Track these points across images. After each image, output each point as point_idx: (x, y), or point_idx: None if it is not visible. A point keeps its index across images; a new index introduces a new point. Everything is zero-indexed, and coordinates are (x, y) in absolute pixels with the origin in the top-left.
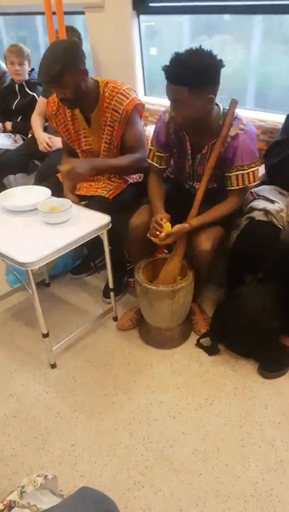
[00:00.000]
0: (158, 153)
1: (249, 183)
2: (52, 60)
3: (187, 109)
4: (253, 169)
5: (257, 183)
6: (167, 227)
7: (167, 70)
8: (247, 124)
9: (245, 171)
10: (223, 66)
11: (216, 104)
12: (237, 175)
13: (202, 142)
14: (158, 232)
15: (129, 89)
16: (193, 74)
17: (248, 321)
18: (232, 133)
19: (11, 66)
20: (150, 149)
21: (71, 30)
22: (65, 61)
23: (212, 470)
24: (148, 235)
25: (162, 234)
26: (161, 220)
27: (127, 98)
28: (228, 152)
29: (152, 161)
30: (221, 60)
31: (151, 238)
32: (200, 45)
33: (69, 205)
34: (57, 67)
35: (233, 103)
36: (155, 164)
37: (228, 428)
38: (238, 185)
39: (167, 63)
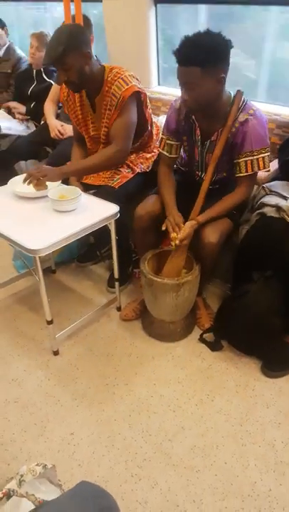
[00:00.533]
0: (168, 141)
1: (259, 169)
2: (55, 42)
3: (200, 89)
4: (263, 155)
5: (267, 169)
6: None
7: (178, 52)
8: (257, 110)
9: (255, 157)
10: (232, 47)
11: (227, 91)
12: (246, 161)
13: (211, 128)
14: (175, 240)
15: (131, 76)
16: (205, 52)
17: (253, 319)
18: (241, 118)
19: (30, 48)
20: (161, 138)
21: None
22: (68, 43)
23: (210, 467)
24: (170, 244)
25: (177, 241)
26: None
27: (127, 84)
28: (238, 137)
29: (163, 150)
30: (229, 40)
31: (171, 246)
32: (208, 28)
33: (79, 194)
34: (59, 48)
35: (239, 94)
36: (165, 153)
37: (229, 425)
38: (246, 171)
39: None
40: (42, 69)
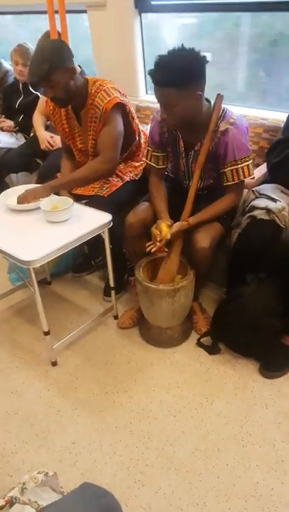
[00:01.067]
0: (154, 153)
1: (244, 177)
2: (40, 60)
3: (178, 109)
4: (246, 163)
5: (252, 177)
6: (164, 229)
7: (153, 74)
8: (237, 118)
9: (239, 165)
10: (206, 62)
11: (207, 100)
12: (231, 170)
13: (194, 139)
14: (157, 242)
15: (114, 88)
16: (178, 74)
17: (249, 321)
18: (222, 128)
19: (16, 66)
20: (147, 150)
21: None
22: (52, 60)
23: (212, 469)
24: (147, 249)
25: (161, 243)
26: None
27: (109, 96)
28: (220, 148)
29: (150, 161)
30: (204, 56)
31: (152, 249)
32: (182, 44)
33: (71, 204)
34: (44, 66)
35: (219, 98)
36: (153, 164)
37: (229, 428)
38: (233, 180)
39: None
40: (28, 82)
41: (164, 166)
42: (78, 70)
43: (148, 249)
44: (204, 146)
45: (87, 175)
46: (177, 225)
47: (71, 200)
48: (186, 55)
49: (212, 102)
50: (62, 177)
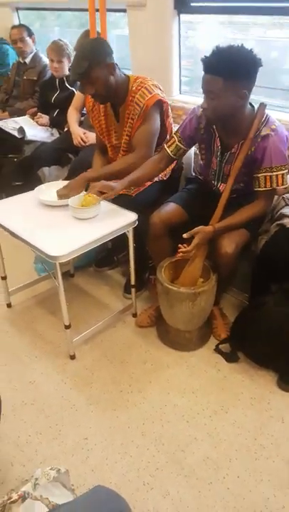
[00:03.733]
0: (178, 144)
1: (277, 185)
2: (80, 58)
3: (220, 101)
4: (281, 172)
5: (285, 186)
6: (86, 200)
7: (205, 60)
8: (279, 126)
9: (274, 173)
10: (261, 65)
11: (251, 105)
12: (265, 176)
13: (232, 141)
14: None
15: (155, 86)
16: (229, 64)
17: (271, 331)
18: (263, 133)
19: (51, 63)
20: (172, 137)
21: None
22: (92, 57)
23: (223, 480)
24: (178, 255)
25: (190, 246)
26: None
27: (150, 93)
28: (258, 152)
29: (169, 148)
30: (259, 59)
31: (181, 255)
32: (242, 44)
33: (98, 202)
34: (84, 63)
35: (262, 106)
36: (169, 151)
37: (242, 438)
38: (265, 186)
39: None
40: (64, 77)
41: (176, 159)
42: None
43: (179, 250)
44: (242, 151)
45: (121, 169)
46: (202, 232)
47: (99, 199)
48: (243, 52)
49: (255, 107)
50: (96, 169)
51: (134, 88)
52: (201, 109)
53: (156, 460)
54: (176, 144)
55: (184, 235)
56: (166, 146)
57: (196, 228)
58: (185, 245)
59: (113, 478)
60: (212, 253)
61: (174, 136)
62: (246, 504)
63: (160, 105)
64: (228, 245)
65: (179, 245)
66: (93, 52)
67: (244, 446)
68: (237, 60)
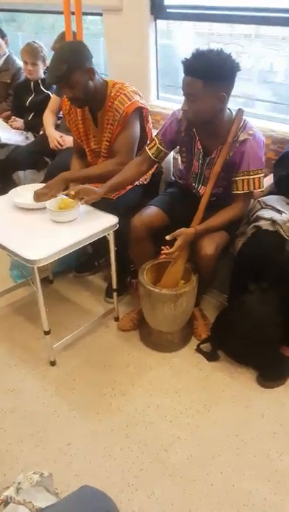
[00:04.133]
0: (160, 146)
1: (254, 188)
2: (59, 60)
3: (200, 103)
4: (258, 175)
5: (262, 189)
6: (64, 203)
7: (186, 62)
8: (256, 131)
9: (251, 177)
10: (239, 70)
11: (229, 110)
12: (243, 179)
13: (211, 145)
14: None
15: (134, 92)
16: (209, 68)
17: (249, 330)
18: (241, 138)
19: (25, 65)
20: (153, 139)
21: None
22: (71, 61)
23: (206, 477)
24: (162, 257)
25: (173, 248)
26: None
27: (129, 100)
28: (236, 157)
29: (150, 150)
30: (238, 63)
31: (164, 257)
32: (221, 48)
33: (77, 205)
34: (63, 66)
35: (240, 112)
36: (150, 154)
37: (225, 436)
38: (243, 189)
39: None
40: (39, 80)
41: (157, 161)
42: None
43: (162, 252)
44: (221, 156)
45: (101, 173)
46: (184, 234)
47: (77, 202)
48: (222, 55)
49: (233, 112)
50: (77, 171)
51: (112, 94)
52: (181, 112)
53: (140, 461)
54: (157, 147)
55: (167, 237)
56: (147, 149)
57: (178, 230)
58: (167, 247)
59: (97, 482)
60: (193, 255)
61: (155, 138)
62: (230, 499)
63: (140, 111)
64: (209, 247)
65: (162, 247)
66: (73, 56)
67: (226, 443)
68: (217, 63)
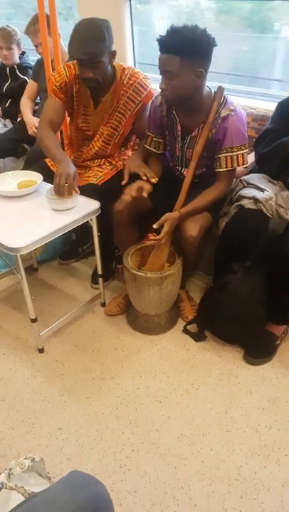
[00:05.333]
0: (156, 139)
1: (238, 165)
2: (94, 36)
3: (177, 80)
4: (242, 151)
5: (245, 165)
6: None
7: (161, 39)
8: (237, 106)
9: (234, 153)
10: (215, 45)
11: (208, 88)
12: (226, 156)
13: (192, 124)
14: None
15: (146, 79)
16: (185, 43)
17: (234, 308)
18: (223, 114)
19: (0, 50)
20: (148, 135)
21: None
22: (108, 41)
23: (197, 454)
24: (150, 242)
25: (161, 235)
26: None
27: (145, 90)
28: (219, 134)
29: (150, 146)
30: (214, 38)
31: (152, 243)
32: (196, 24)
33: (76, 194)
34: (100, 44)
35: (220, 90)
36: (154, 150)
37: (214, 413)
38: (226, 166)
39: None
40: (15, 66)
41: (163, 152)
42: None
43: (150, 238)
44: (202, 136)
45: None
46: (170, 219)
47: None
48: (198, 31)
49: (212, 89)
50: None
51: (124, 81)
52: (158, 98)
53: (131, 442)
54: (154, 140)
55: (154, 226)
56: (148, 147)
57: (163, 216)
58: (154, 234)
59: (90, 465)
60: (176, 237)
61: (149, 134)
62: (221, 474)
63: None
64: (193, 229)
65: (149, 234)
66: (108, 35)
67: (216, 420)
68: (192, 39)
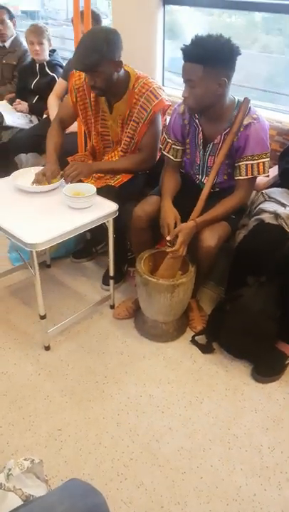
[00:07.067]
0: (174, 146)
1: (258, 173)
2: (91, 48)
3: (200, 89)
4: (263, 160)
5: (266, 174)
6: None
7: (185, 48)
8: (260, 115)
9: (255, 161)
10: (239, 54)
11: (233, 97)
12: (246, 164)
13: (214, 131)
14: (169, 244)
15: (159, 88)
16: (208, 52)
17: (245, 323)
18: (245, 122)
19: (31, 46)
20: (167, 142)
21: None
22: (105, 52)
23: (196, 469)
24: (166, 244)
25: (176, 246)
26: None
27: (156, 98)
28: (240, 141)
29: (168, 153)
30: (238, 47)
31: (168, 250)
32: (220, 33)
33: (93, 192)
34: (95, 56)
35: (246, 101)
36: (171, 157)
37: (216, 428)
38: (246, 174)
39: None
40: (45, 63)
41: (180, 160)
42: None
43: (168, 250)
44: (225, 145)
45: (128, 167)
46: (184, 229)
47: (94, 188)
48: (222, 40)
49: (236, 98)
50: (104, 163)
51: (136, 90)
52: (181, 106)
53: (130, 450)
54: (173, 147)
55: (167, 238)
56: (166, 154)
57: (177, 227)
58: (168, 244)
59: (86, 469)
60: (191, 246)
61: (168, 141)
62: (219, 493)
63: (164, 109)
64: (211, 239)
65: (166, 245)
66: (106, 46)
67: (218, 436)
68: (216, 48)
